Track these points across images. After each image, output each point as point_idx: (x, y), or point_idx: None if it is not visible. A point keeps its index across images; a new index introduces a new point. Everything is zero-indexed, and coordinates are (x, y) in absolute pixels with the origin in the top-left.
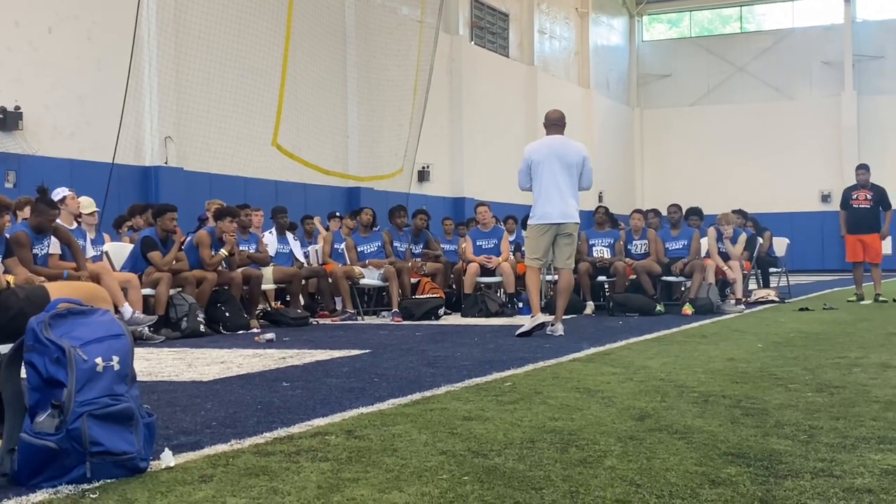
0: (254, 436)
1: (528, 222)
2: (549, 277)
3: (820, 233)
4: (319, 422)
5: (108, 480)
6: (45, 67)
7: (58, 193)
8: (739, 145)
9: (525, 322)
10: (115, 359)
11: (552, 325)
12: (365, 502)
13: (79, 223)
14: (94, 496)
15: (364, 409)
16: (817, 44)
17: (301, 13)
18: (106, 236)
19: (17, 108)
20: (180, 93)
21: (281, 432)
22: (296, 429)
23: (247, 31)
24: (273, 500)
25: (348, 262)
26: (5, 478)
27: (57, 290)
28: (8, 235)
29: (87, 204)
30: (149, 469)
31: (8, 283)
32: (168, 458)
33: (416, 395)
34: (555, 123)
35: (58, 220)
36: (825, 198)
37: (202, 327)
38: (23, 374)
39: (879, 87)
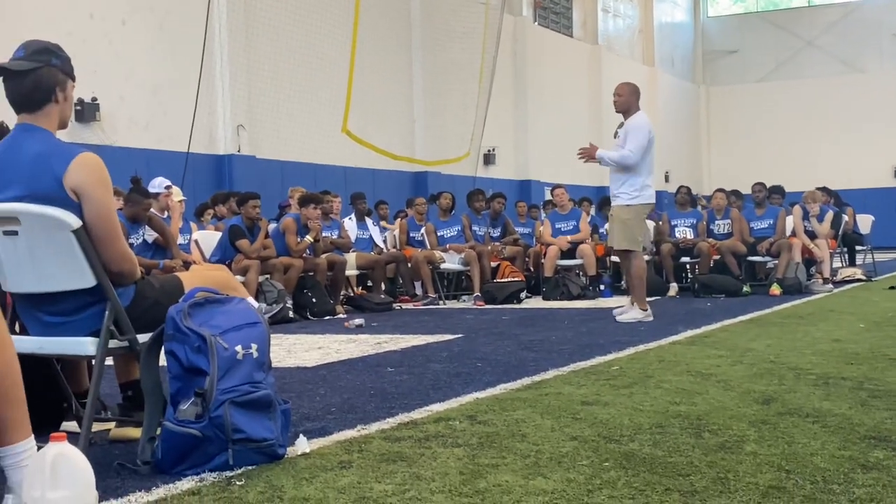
0: (378, 421)
1: (632, 202)
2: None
3: (894, 208)
4: (438, 407)
5: (249, 467)
6: (119, 59)
7: (158, 185)
8: (809, 121)
9: (634, 313)
10: (254, 346)
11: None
12: (512, 489)
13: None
14: (239, 483)
15: (479, 395)
16: (888, 15)
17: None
18: (192, 225)
19: (94, 99)
20: (251, 81)
21: (404, 418)
22: (417, 414)
23: (315, 19)
24: (419, 486)
25: (428, 247)
26: (147, 466)
27: (190, 280)
28: None
29: (175, 192)
30: (286, 455)
31: (143, 273)
32: (303, 445)
33: (526, 380)
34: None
35: (151, 210)
36: None
37: (291, 313)
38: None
39: None
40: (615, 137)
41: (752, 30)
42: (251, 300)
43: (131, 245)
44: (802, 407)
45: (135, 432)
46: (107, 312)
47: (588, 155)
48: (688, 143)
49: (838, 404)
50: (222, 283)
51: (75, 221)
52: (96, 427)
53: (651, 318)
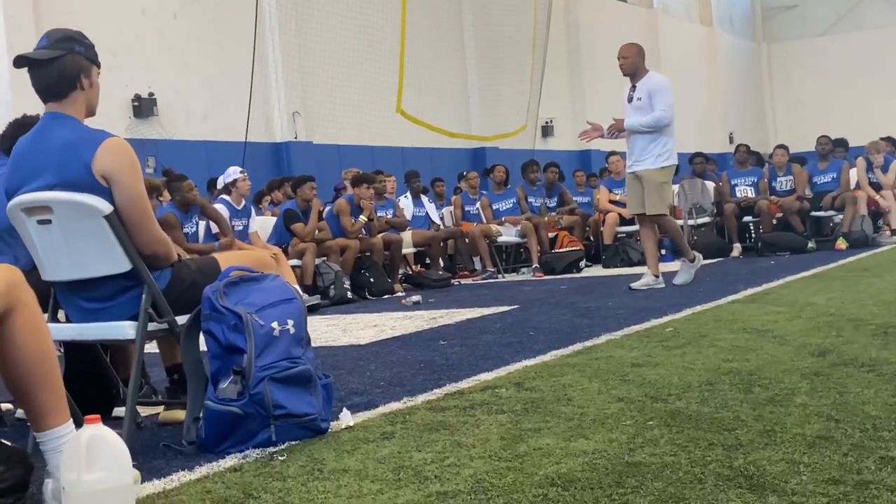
0: (424, 392)
1: (666, 164)
2: (691, 222)
3: None
4: (486, 376)
5: (293, 442)
6: (173, 53)
7: (230, 174)
8: (874, 74)
9: (686, 272)
10: (290, 322)
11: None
12: (552, 451)
13: (245, 205)
14: (282, 458)
15: (528, 362)
16: None
17: None
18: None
19: (151, 94)
20: (304, 67)
21: (451, 388)
22: (464, 384)
23: (364, 0)
24: (459, 453)
25: (484, 221)
26: (192, 445)
27: (226, 260)
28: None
29: (231, 172)
30: (329, 429)
31: (179, 255)
32: (347, 418)
33: (578, 346)
34: None
35: (200, 198)
36: None
37: (349, 294)
38: (202, 345)
39: None
40: (630, 102)
41: None
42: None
43: (186, 234)
44: (858, 357)
45: (182, 414)
46: (143, 296)
47: (616, 129)
48: (751, 102)
49: (895, 353)
50: (258, 261)
51: (107, 207)
52: (146, 411)
53: (700, 263)
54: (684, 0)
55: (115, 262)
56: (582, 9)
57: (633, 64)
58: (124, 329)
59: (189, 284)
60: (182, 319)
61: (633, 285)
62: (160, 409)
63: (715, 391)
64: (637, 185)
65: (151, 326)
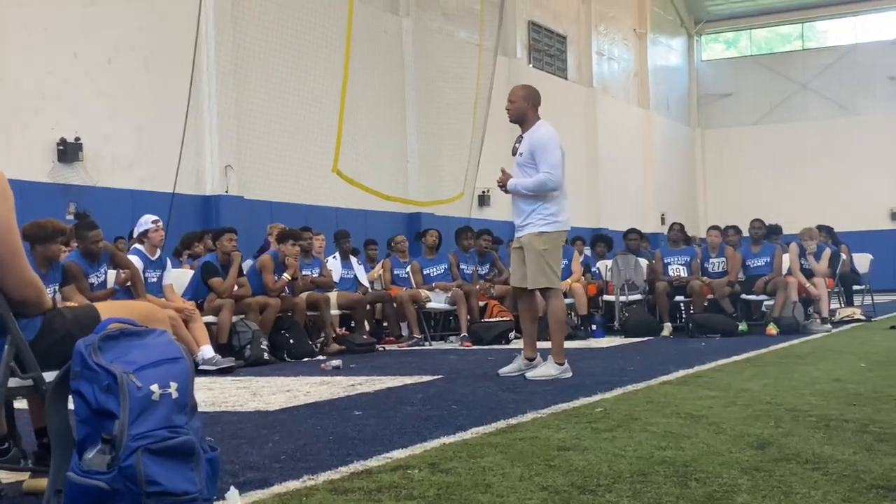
0: (328, 470)
1: (548, 228)
2: (623, 298)
3: (890, 251)
4: (399, 454)
5: None
6: (103, 98)
7: (142, 224)
8: (804, 164)
9: (547, 367)
10: (174, 385)
11: (531, 359)
12: None
13: (160, 256)
14: None
15: (446, 439)
16: (882, 58)
17: (359, 40)
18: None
19: (77, 139)
20: (240, 121)
21: (358, 466)
22: (374, 462)
23: (305, 59)
24: None
25: (414, 286)
26: None
27: (108, 310)
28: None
29: (143, 221)
30: None
31: (55, 303)
32: (234, 498)
33: (501, 423)
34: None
35: (109, 245)
36: (894, 215)
37: (266, 355)
38: (71, 405)
39: None
40: (514, 155)
41: (747, 73)
42: (208, 350)
43: (91, 285)
44: (801, 452)
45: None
46: (6, 347)
47: (502, 182)
48: (683, 185)
49: (841, 449)
50: (145, 313)
51: None
52: (11, 478)
53: (569, 375)
54: (623, 82)
55: None
56: (524, 82)
57: (518, 110)
58: None
59: (62, 336)
60: (51, 376)
61: (529, 375)
62: (27, 475)
63: (648, 483)
64: (519, 254)
65: (13, 382)
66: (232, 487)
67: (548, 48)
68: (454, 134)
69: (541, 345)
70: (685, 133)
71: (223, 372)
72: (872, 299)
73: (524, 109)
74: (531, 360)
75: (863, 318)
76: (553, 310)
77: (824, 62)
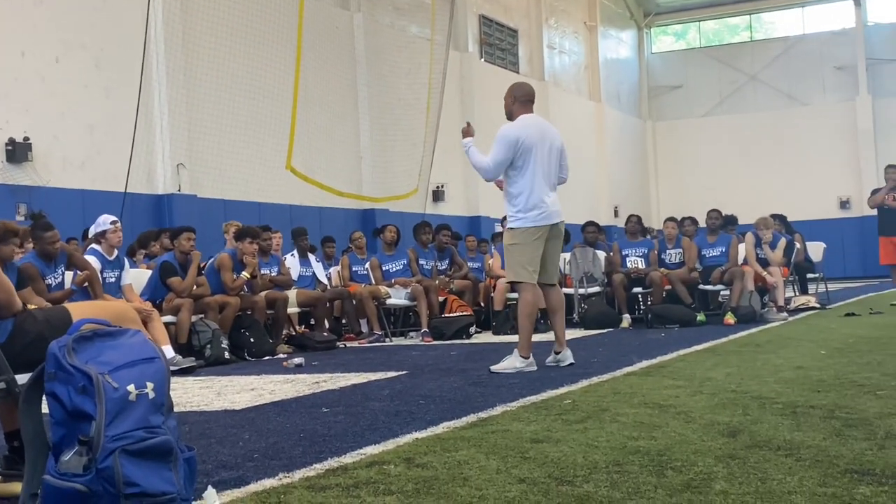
0: (303, 468)
1: (514, 224)
2: (581, 291)
3: (840, 240)
4: (372, 450)
5: None
6: (53, 97)
7: (100, 224)
8: (755, 154)
9: (511, 360)
10: (150, 385)
11: (558, 352)
12: None
13: (118, 256)
14: None
15: (418, 434)
16: (829, 49)
17: (310, 36)
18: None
19: (27, 138)
20: (192, 119)
21: (333, 463)
22: (348, 458)
23: (257, 56)
24: None
25: (373, 282)
26: None
27: (80, 311)
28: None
29: (101, 221)
30: None
31: (25, 305)
32: (212, 497)
33: (472, 417)
34: (531, 100)
35: (66, 245)
36: (844, 204)
37: (226, 354)
38: (45, 407)
39: (894, 89)
40: None
41: (696, 65)
42: (169, 350)
43: (49, 286)
44: (772, 439)
45: (20, 487)
46: None
47: (465, 134)
48: (636, 177)
49: (811, 435)
50: (117, 313)
51: None
52: None
53: (534, 368)
54: (574, 75)
55: None
56: (476, 76)
57: (506, 107)
58: None
59: (34, 338)
60: (24, 378)
61: (493, 368)
62: None
63: (624, 473)
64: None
65: None
66: (209, 487)
67: (499, 42)
68: (407, 129)
69: (536, 337)
70: (637, 125)
71: (184, 372)
72: (826, 287)
73: (508, 106)
74: (556, 353)
75: (818, 305)
76: (520, 304)
77: (772, 53)
